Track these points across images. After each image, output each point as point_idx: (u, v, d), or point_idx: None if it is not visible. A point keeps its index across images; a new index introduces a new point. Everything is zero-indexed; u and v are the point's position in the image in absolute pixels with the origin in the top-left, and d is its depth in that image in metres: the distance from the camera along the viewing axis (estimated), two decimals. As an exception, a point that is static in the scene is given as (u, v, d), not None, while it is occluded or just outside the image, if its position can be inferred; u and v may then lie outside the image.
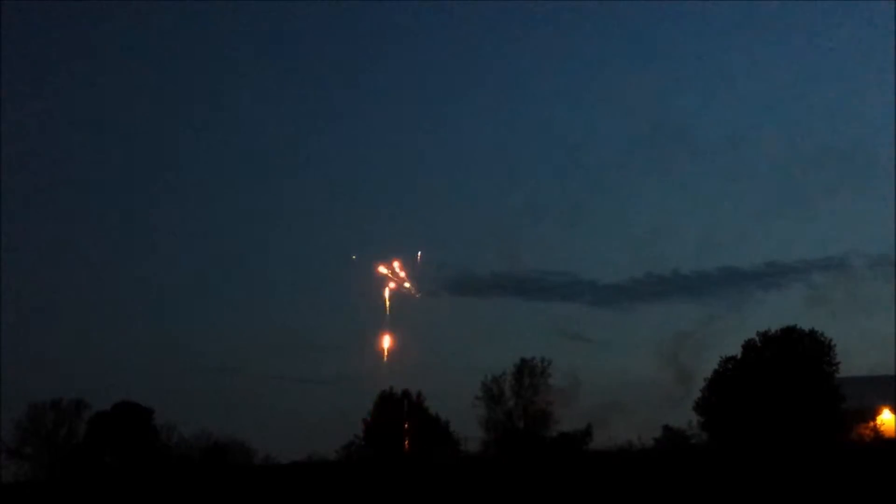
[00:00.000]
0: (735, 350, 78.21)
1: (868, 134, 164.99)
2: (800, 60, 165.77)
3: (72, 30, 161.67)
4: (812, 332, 76.69)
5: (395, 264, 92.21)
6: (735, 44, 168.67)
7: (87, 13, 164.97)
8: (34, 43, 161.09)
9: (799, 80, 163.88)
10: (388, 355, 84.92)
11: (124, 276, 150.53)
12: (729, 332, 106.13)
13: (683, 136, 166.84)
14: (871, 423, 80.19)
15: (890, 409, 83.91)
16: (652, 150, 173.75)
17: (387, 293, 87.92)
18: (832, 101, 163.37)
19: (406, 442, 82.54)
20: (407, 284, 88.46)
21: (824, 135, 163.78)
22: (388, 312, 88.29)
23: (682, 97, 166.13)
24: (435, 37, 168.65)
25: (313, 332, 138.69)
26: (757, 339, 77.36)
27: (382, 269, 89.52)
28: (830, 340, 76.44)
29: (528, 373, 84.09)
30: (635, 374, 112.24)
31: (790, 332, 76.74)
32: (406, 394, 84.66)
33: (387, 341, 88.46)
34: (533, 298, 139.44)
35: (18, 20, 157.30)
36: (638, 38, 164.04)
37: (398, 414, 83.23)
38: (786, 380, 73.24)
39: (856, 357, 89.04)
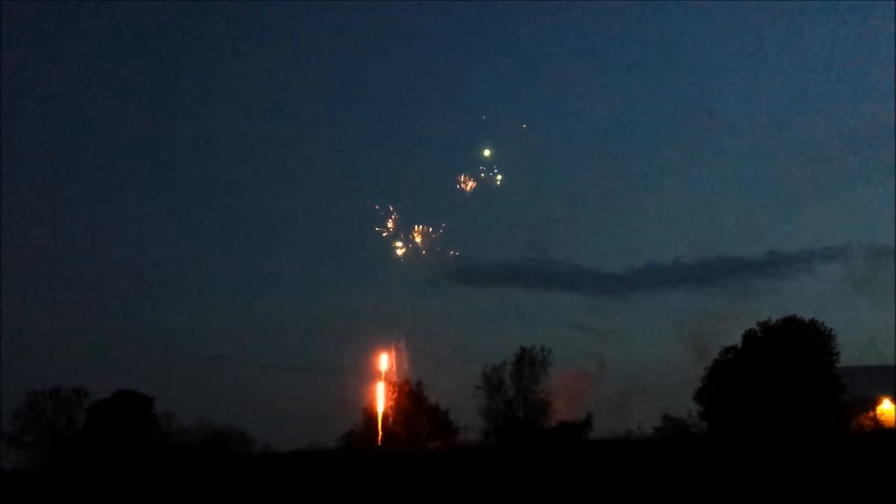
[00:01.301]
0: (735, 340, 78.36)
1: (870, 124, 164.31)
2: (798, 54, 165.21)
3: (72, 28, 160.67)
4: (812, 322, 76.71)
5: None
6: (742, 40, 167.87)
7: (88, 12, 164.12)
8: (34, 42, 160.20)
9: (798, 74, 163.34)
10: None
11: (124, 265, 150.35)
12: (729, 323, 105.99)
13: (683, 132, 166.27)
14: (872, 413, 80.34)
15: (890, 399, 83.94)
16: (650, 147, 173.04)
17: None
18: (834, 94, 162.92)
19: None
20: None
21: (826, 128, 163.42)
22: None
23: (685, 92, 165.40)
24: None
25: (313, 320, 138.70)
26: (757, 328, 77.40)
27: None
28: (831, 330, 76.59)
29: (528, 362, 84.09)
30: (635, 364, 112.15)
31: (790, 322, 76.78)
32: (406, 383, 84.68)
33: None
34: (533, 288, 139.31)
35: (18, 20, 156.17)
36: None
37: (398, 403, 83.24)
38: (786, 370, 73.24)
39: (856, 347, 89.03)
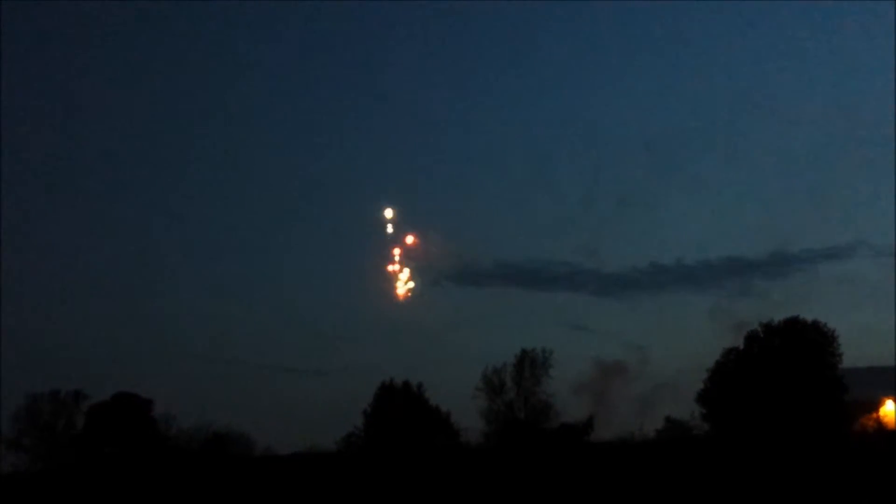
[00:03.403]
0: (737, 341, 78.09)
1: (872, 124, 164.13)
2: (800, 54, 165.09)
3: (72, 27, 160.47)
4: (815, 323, 76.44)
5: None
6: (738, 36, 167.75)
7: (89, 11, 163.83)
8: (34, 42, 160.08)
9: (799, 74, 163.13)
10: None
11: (124, 266, 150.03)
12: (731, 322, 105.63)
13: (681, 135, 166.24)
14: (874, 415, 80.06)
15: (893, 401, 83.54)
16: (649, 149, 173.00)
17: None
18: (835, 91, 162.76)
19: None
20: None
21: (827, 127, 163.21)
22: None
23: (684, 95, 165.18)
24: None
25: (314, 322, 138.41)
26: (759, 329, 77.12)
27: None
28: (833, 331, 76.30)
29: (529, 363, 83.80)
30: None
31: (793, 323, 76.50)
32: (406, 385, 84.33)
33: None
34: (534, 288, 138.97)
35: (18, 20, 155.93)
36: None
37: (398, 405, 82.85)
38: (788, 371, 72.97)
39: (859, 348, 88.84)
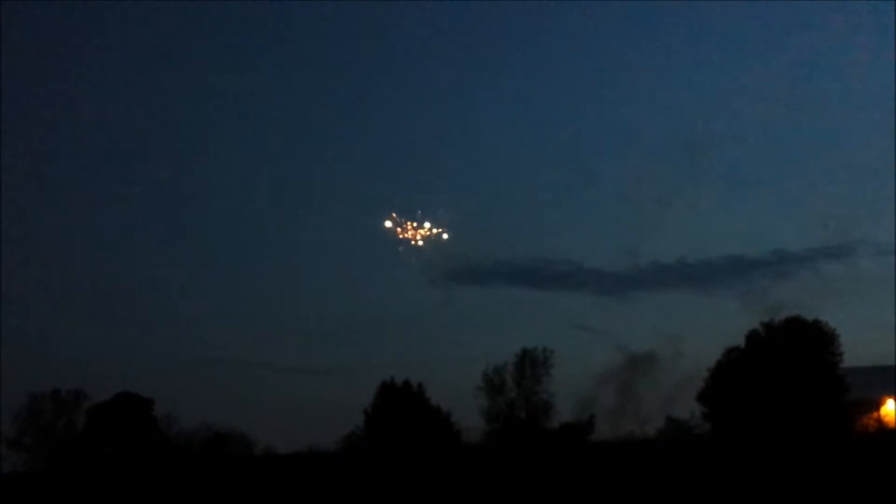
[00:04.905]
0: (738, 340, 78.04)
1: (870, 122, 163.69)
2: (799, 54, 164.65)
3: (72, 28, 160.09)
4: (816, 322, 76.43)
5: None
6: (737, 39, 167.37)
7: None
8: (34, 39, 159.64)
9: (799, 71, 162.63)
10: None
11: (124, 266, 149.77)
12: (733, 322, 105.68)
13: (681, 134, 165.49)
14: (875, 414, 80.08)
15: (893, 400, 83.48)
16: (651, 141, 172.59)
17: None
18: (836, 89, 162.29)
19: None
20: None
21: (829, 126, 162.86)
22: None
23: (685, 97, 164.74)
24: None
25: (314, 321, 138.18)
26: (760, 329, 77.07)
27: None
28: (834, 330, 76.31)
29: (530, 363, 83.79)
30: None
31: (794, 323, 76.48)
32: (407, 384, 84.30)
33: None
34: (535, 288, 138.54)
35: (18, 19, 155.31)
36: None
37: (399, 405, 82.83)
38: (789, 370, 72.93)
39: (859, 347, 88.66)
